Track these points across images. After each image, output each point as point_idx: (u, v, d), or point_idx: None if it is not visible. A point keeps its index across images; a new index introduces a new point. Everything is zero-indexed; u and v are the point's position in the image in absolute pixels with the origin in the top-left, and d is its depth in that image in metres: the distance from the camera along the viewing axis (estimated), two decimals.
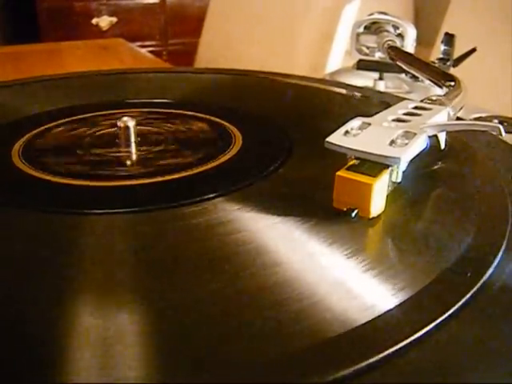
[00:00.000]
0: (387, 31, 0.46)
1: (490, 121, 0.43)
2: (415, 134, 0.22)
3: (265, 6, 1.02)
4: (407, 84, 0.51)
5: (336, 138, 0.21)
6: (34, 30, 1.62)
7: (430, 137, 0.23)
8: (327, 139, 0.21)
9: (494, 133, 0.23)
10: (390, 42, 0.43)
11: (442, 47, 0.48)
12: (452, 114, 0.26)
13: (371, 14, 0.49)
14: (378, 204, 0.20)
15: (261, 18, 1.02)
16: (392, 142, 0.21)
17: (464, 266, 0.18)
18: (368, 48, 0.49)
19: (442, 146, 0.26)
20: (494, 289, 0.17)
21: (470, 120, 0.40)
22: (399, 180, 0.22)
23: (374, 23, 0.48)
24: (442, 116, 0.25)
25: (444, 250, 0.19)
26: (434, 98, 0.27)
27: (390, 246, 0.20)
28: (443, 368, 0.14)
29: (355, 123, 0.23)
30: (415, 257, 0.19)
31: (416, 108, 0.26)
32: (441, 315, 0.16)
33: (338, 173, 0.20)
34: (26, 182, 0.25)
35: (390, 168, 0.21)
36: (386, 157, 0.20)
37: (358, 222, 0.20)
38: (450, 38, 0.48)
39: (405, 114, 0.25)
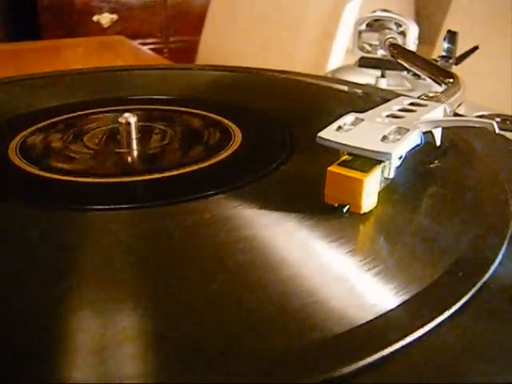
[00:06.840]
0: (389, 29, 0.46)
1: (492, 119, 0.43)
2: (408, 129, 0.22)
3: (266, 4, 1.02)
4: (409, 82, 0.51)
5: (328, 133, 0.21)
6: (35, 28, 1.62)
7: (425, 133, 0.23)
8: (319, 134, 0.21)
9: (491, 129, 0.23)
10: (391, 40, 0.43)
11: (445, 45, 0.48)
12: (449, 110, 0.26)
13: (374, 12, 0.48)
14: (369, 200, 0.20)
15: (262, 15, 1.02)
16: (384, 138, 0.21)
17: (464, 265, 0.18)
18: (370, 45, 0.48)
19: (438, 142, 0.26)
20: (494, 289, 0.17)
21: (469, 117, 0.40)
22: (392, 176, 0.22)
23: (376, 21, 0.48)
24: (437, 112, 0.25)
25: (443, 249, 0.19)
26: (430, 95, 0.27)
27: (389, 245, 0.20)
28: (443, 368, 0.14)
29: (348, 119, 0.23)
30: (415, 256, 0.19)
31: (411, 104, 0.25)
32: (441, 315, 0.16)
33: (330, 168, 0.20)
34: (24, 178, 0.25)
35: (382, 164, 0.21)
36: (377, 152, 0.20)
37: (357, 220, 0.20)
38: (452, 36, 0.47)
39: (399, 110, 0.24)
